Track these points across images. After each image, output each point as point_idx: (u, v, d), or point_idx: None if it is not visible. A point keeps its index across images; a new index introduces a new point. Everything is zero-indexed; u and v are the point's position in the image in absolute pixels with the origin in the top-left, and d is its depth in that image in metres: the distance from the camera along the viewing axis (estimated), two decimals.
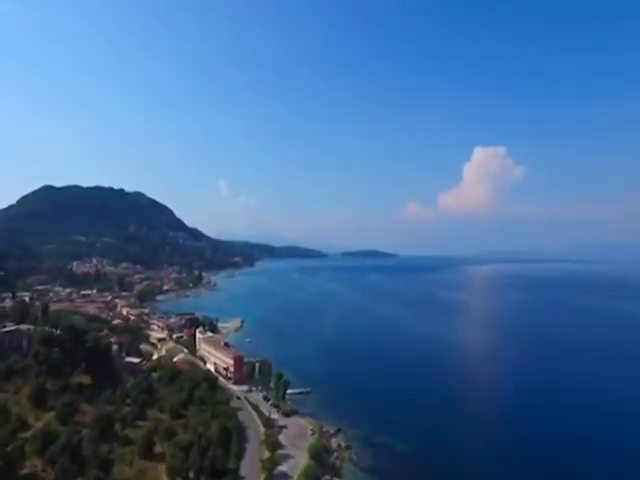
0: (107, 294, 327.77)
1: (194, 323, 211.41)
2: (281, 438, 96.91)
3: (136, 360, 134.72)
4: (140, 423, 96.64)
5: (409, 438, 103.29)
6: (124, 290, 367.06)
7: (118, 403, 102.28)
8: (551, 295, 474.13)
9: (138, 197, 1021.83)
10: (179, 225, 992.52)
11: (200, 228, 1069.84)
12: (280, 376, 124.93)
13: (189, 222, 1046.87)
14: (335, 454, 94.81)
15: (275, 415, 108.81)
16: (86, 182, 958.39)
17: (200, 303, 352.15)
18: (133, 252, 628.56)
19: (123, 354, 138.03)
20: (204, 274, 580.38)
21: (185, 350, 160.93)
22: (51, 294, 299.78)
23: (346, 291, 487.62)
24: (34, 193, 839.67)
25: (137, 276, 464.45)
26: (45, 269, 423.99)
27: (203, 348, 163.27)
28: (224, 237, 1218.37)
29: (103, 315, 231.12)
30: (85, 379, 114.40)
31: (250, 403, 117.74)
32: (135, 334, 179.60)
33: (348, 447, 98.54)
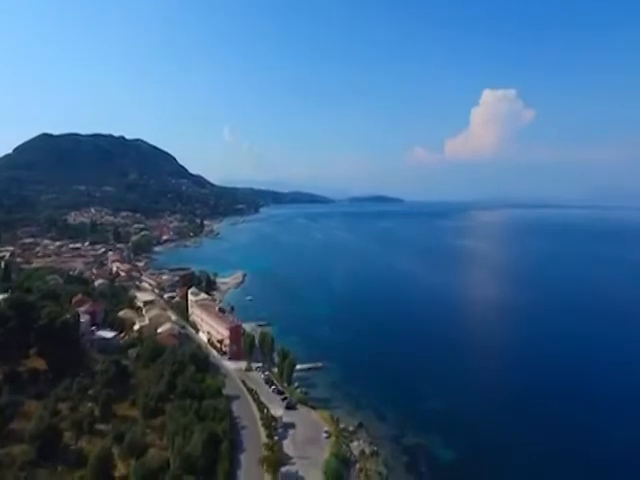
0: (99, 247, 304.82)
1: (189, 280, 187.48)
2: (287, 445, 73.96)
3: (109, 335, 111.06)
4: (103, 428, 74.11)
5: (453, 437, 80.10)
6: (119, 241, 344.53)
7: (75, 399, 79.20)
8: (563, 243, 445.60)
9: (139, 144, 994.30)
10: (182, 172, 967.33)
11: (204, 175, 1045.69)
12: (285, 355, 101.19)
13: (192, 169, 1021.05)
14: (357, 466, 71.89)
15: (279, 409, 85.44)
16: (85, 130, 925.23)
17: (200, 254, 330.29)
18: (133, 201, 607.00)
19: (94, 327, 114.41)
20: (207, 222, 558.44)
21: (173, 317, 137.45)
22: (37, 248, 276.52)
23: (355, 239, 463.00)
24: (31, 142, 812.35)
25: (136, 226, 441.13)
26: (37, 220, 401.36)
27: (195, 314, 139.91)
28: (228, 184, 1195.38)
29: (88, 273, 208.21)
30: (41, 364, 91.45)
31: (248, 389, 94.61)
32: (118, 297, 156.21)
33: (374, 454, 75.63)
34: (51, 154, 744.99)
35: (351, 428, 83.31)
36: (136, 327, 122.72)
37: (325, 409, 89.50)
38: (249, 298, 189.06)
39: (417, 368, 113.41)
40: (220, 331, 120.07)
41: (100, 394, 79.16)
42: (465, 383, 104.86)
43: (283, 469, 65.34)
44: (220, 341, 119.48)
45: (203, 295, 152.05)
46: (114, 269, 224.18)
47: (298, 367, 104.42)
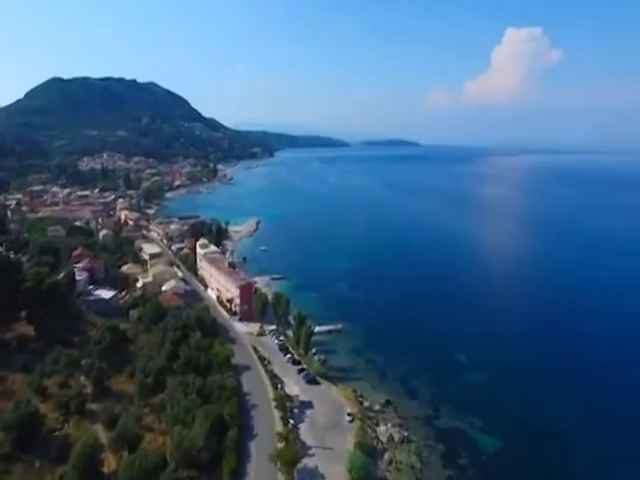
0: (109, 194, 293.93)
1: (198, 230, 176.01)
2: (304, 431, 64.03)
3: (109, 294, 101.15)
4: (95, 407, 64.89)
5: (496, 419, 69.12)
6: (130, 188, 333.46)
7: (64, 373, 69.79)
8: (592, 192, 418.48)
9: (152, 88, 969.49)
10: (195, 116, 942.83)
11: (218, 118, 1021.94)
12: (302, 320, 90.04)
13: (206, 112, 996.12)
14: (386, 457, 61.84)
15: (295, 385, 75.21)
16: (96, 73, 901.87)
17: (212, 200, 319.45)
18: (146, 145, 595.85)
19: (92, 286, 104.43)
20: (220, 166, 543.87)
21: (180, 273, 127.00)
22: (45, 196, 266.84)
23: (372, 185, 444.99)
24: (42, 86, 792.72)
25: (148, 171, 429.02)
26: (48, 167, 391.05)
27: (204, 268, 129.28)
28: (243, 127, 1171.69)
29: (94, 223, 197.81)
30: (31, 330, 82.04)
31: (260, 357, 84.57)
32: (122, 250, 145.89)
33: (404, 440, 65.41)
34: (62, 99, 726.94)
35: (377, 407, 73.23)
36: (139, 284, 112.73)
37: (347, 382, 79.47)
38: (263, 248, 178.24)
39: (449, 330, 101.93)
40: (230, 289, 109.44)
41: (93, 368, 69.64)
42: (506, 349, 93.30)
43: (300, 465, 55.35)
44: (230, 300, 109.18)
45: (212, 247, 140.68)
46: (122, 217, 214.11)
47: (316, 329, 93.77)
